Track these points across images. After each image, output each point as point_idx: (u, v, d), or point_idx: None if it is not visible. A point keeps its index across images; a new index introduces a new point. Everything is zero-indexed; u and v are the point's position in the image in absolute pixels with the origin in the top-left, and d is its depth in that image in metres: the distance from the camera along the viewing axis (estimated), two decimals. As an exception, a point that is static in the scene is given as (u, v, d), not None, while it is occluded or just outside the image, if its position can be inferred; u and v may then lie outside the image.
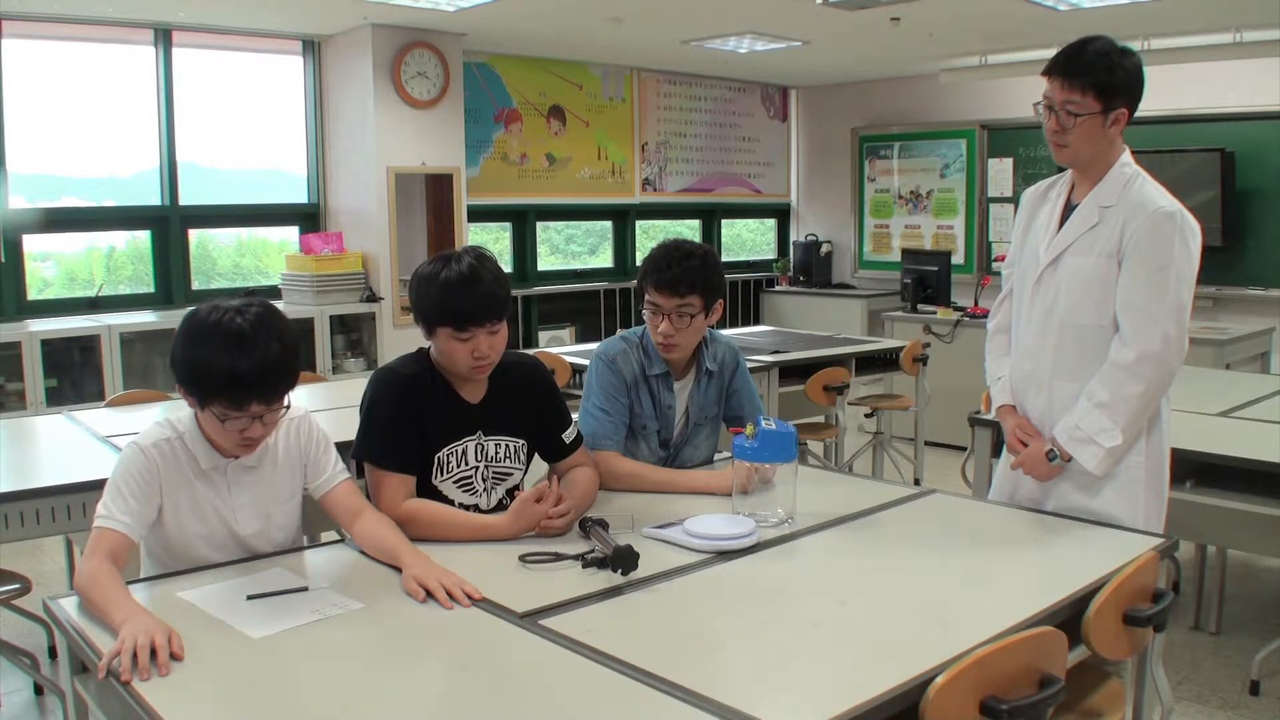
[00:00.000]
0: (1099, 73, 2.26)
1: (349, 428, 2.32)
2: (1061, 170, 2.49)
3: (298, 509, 2.17)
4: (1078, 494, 2.38)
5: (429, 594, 1.82)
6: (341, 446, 2.32)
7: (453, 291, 2.16)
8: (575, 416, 2.54)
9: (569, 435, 2.44)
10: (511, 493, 2.37)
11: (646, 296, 2.55)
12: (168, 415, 2.05)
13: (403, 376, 2.26)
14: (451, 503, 2.27)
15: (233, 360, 1.84)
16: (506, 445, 2.35)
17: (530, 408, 2.38)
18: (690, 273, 2.48)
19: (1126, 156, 2.37)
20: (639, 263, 2.64)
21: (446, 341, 2.20)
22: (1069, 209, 2.42)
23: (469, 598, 1.81)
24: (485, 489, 2.33)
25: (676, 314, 2.50)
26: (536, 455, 2.46)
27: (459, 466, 2.28)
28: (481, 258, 2.22)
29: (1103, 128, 2.29)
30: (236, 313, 1.89)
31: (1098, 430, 2.29)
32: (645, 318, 2.59)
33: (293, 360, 1.94)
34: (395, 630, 1.73)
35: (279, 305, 6.09)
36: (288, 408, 1.98)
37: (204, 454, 2.00)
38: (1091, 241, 2.34)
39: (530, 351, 5.03)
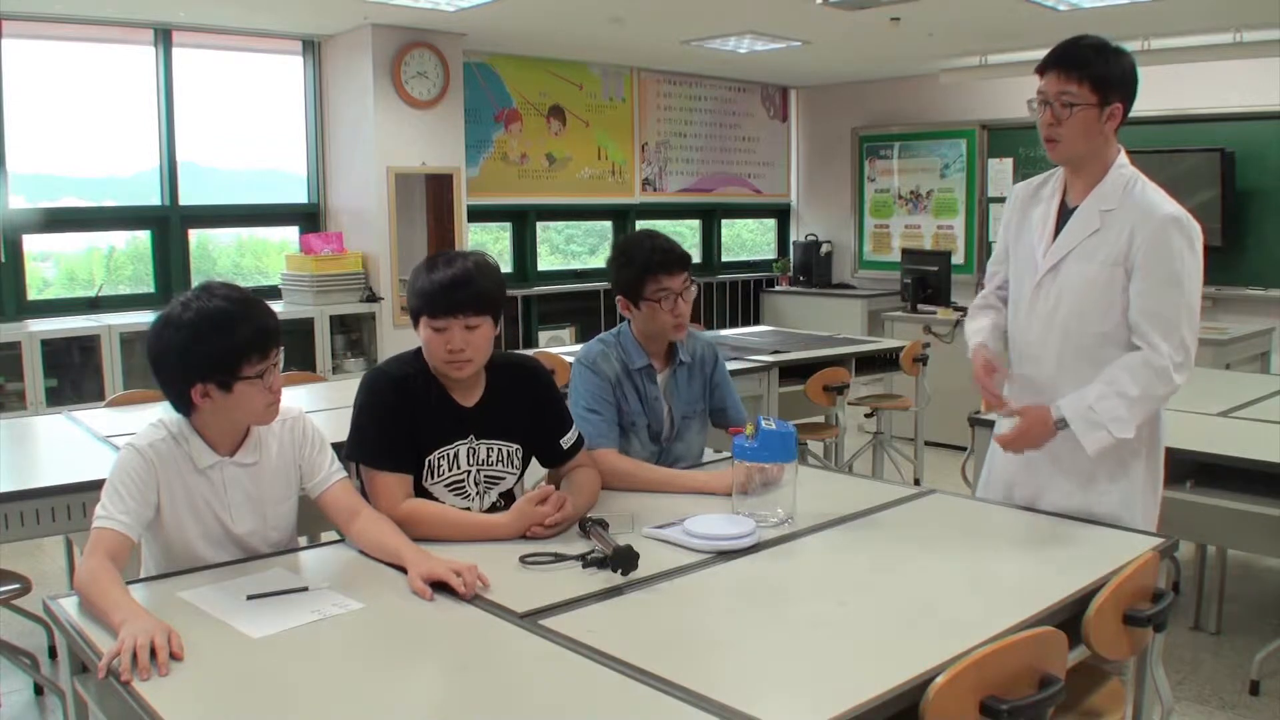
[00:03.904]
0: (1095, 65, 2.24)
1: (349, 428, 2.32)
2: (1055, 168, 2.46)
3: (293, 510, 2.17)
4: (1076, 493, 2.38)
5: (440, 590, 1.82)
6: (341, 446, 2.32)
7: (435, 283, 2.19)
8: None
9: (568, 440, 2.42)
10: (504, 497, 2.37)
11: (652, 288, 2.61)
12: (160, 417, 2.05)
13: (393, 377, 2.26)
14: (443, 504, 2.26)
15: (241, 323, 1.94)
16: (499, 449, 2.34)
17: (526, 411, 2.37)
18: (684, 252, 2.68)
19: (1123, 158, 2.34)
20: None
21: (424, 332, 2.22)
22: (1064, 211, 2.39)
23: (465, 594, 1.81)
24: (478, 493, 2.32)
25: (685, 293, 2.63)
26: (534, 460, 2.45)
27: (450, 470, 2.27)
28: (479, 262, 2.25)
29: (1098, 122, 2.26)
30: (207, 296, 1.97)
31: (1112, 419, 2.23)
32: (649, 311, 2.63)
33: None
34: (395, 630, 1.73)
35: (279, 305, 6.15)
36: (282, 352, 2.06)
37: (200, 452, 2.01)
38: (1094, 248, 2.31)
39: (530, 352, 5.03)
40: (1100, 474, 2.35)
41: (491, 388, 2.32)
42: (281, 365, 2.04)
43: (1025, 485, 2.47)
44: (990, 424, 3.22)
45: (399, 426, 2.21)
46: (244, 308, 1.97)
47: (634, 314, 2.67)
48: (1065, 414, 2.29)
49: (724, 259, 9.08)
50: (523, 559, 2.01)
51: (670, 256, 2.62)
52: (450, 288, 2.18)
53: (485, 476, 2.32)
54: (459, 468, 2.29)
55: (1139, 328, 2.27)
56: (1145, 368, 2.25)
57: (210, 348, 1.92)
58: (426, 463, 2.25)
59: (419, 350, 2.31)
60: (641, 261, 2.62)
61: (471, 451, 2.30)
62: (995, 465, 2.58)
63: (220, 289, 1.99)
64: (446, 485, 2.28)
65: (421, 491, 2.25)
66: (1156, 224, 2.24)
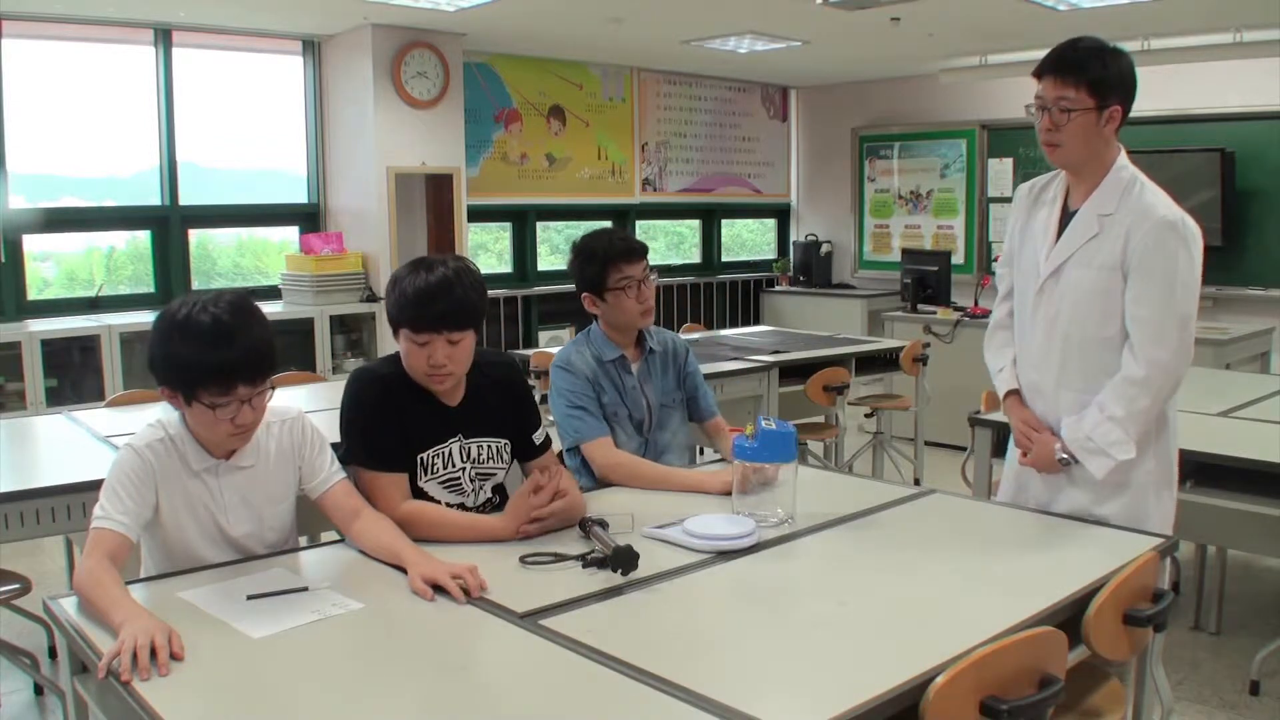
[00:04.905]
0: (1092, 69, 2.22)
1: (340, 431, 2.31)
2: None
3: (291, 510, 2.17)
4: (1086, 500, 2.38)
5: (440, 591, 1.82)
6: (339, 447, 2.31)
7: (417, 295, 2.15)
8: (549, 418, 2.58)
9: (539, 436, 2.44)
10: (498, 490, 2.38)
11: (615, 277, 2.68)
12: (159, 417, 2.05)
13: (380, 376, 2.25)
14: (438, 503, 2.26)
15: (214, 347, 1.86)
16: (489, 446, 2.34)
17: (508, 406, 2.38)
18: (641, 242, 2.80)
19: (1123, 159, 2.32)
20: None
21: (405, 344, 2.20)
22: (1066, 214, 2.38)
23: (469, 595, 1.81)
24: (473, 489, 2.32)
25: (646, 280, 2.72)
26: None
27: (445, 468, 2.28)
28: (461, 269, 2.21)
29: (1097, 125, 2.24)
30: (209, 303, 1.91)
31: (1111, 443, 2.29)
32: (615, 301, 2.71)
33: (272, 340, 1.97)
34: (395, 630, 1.73)
35: (279, 305, 6.14)
36: (272, 390, 1.99)
37: (195, 455, 2.00)
38: (1093, 253, 2.31)
39: (530, 352, 5.03)
40: (1109, 479, 2.34)
41: (474, 386, 2.32)
42: (267, 398, 1.97)
43: (1036, 489, 2.49)
44: (989, 424, 3.23)
45: (389, 426, 2.21)
46: (225, 332, 1.87)
47: (601, 307, 2.74)
48: (1070, 447, 2.34)
49: (724, 259, 9.08)
50: (523, 559, 2.01)
51: (629, 245, 2.73)
52: (432, 301, 2.14)
53: (478, 473, 2.33)
54: (454, 465, 2.29)
55: (1129, 335, 2.28)
56: (1125, 385, 2.27)
57: (175, 356, 1.89)
58: (419, 460, 2.25)
59: (399, 354, 2.28)
60: (603, 253, 2.70)
61: (464, 450, 2.30)
62: (1009, 465, 2.60)
63: (221, 305, 1.91)
64: (441, 482, 2.28)
65: (416, 489, 2.25)
66: (1151, 228, 2.23)
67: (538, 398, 2.87)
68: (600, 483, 2.60)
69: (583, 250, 2.75)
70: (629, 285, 2.69)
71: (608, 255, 2.69)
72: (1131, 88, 2.27)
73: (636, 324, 2.76)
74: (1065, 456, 2.36)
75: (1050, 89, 2.26)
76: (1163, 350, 2.24)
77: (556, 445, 2.63)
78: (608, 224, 8.27)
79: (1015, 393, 2.51)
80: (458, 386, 2.30)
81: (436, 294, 2.15)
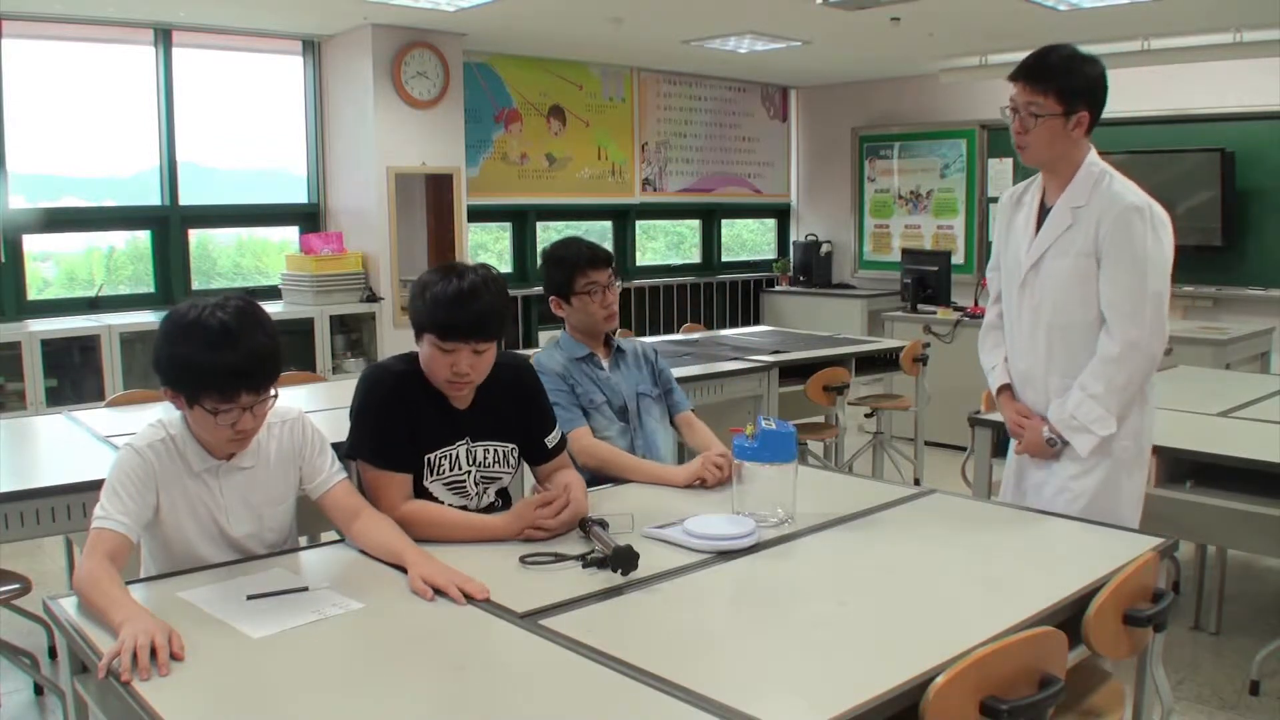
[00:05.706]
0: (1061, 77, 2.38)
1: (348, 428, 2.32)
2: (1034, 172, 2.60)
3: (291, 510, 2.17)
4: (1072, 472, 2.50)
5: (438, 592, 1.82)
6: (340, 447, 2.31)
7: (447, 301, 2.15)
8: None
9: (552, 439, 2.43)
10: (501, 494, 2.38)
11: (581, 283, 2.84)
12: (160, 417, 2.05)
13: (394, 374, 2.25)
14: (442, 504, 2.26)
15: (220, 352, 1.86)
16: (496, 450, 2.34)
17: (517, 410, 2.38)
18: (608, 251, 2.94)
19: (1093, 156, 2.47)
20: (634, 263, 2.85)
21: (429, 349, 2.20)
22: (1044, 212, 2.53)
23: (470, 598, 1.81)
24: (477, 492, 2.32)
25: (610, 287, 2.88)
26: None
27: (451, 470, 2.28)
28: (488, 278, 2.22)
29: (1064, 130, 2.40)
30: (217, 307, 1.91)
31: (1093, 420, 2.43)
32: (580, 305, 2.85)
33: (277, 348, 1.96)
34: (395, 630, 1.73)
35: (279, 305, 6.14)
36: (275, 397, 1.98)
37: (195, 456, 2.00)
38: (1069, 243, 2.45)
39: (529, 352, 5.03)
40: (1093, 455, 2.47)
41: (484, 390, 2.31)
42: (269, 405, 1.97)
43: (1032, 469, 2.61)
44: (989, 424, 3.23)
45: (399, 424, 2.21)
46: (232, 338, 1.86)
47: (567, 310, 2.89)
48: (1055, 428, 2.48)
49: (724, 259, 9.08)
50: (523, 559, 2.01)
51: (596, 253, 2.88)
52: (462, 311, 2.14)
53: (483, 476, 2.33)
54: (460, 468, 2.29)
55: (1105, 317, 2.42)
56: (1102, 364, 2.42)
57: (180, 358, 1.89)
58: (426, 460, 2.25)
59: (417, 353, 2.30)
60: (571, 259, 2.86)
61: (470, 453, 2.30)
62: (1011, 462, 2.70)
63: (229, 310, 1.90)
64: (446, 484, 2.28)
65: (421, 489, 2.25)
66: (1119, 213, 2.38)
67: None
68: (580, 461, 2.64)
69: (551, 256, 2.91)
70: (594, 290, 2.84)
71: (575, 261, 2.85)
72: (1100, 95, 2.42)
73: (600, 328, 2.90)
74: (1053, 437, 2.49)
75: (1021, 94, 2.42)
76: (1136, 329, 2.38)
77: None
78: (607, 224, 8.31)
79: (1007, 387, 2.66)
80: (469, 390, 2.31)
81: (467, 301, 2.15)
